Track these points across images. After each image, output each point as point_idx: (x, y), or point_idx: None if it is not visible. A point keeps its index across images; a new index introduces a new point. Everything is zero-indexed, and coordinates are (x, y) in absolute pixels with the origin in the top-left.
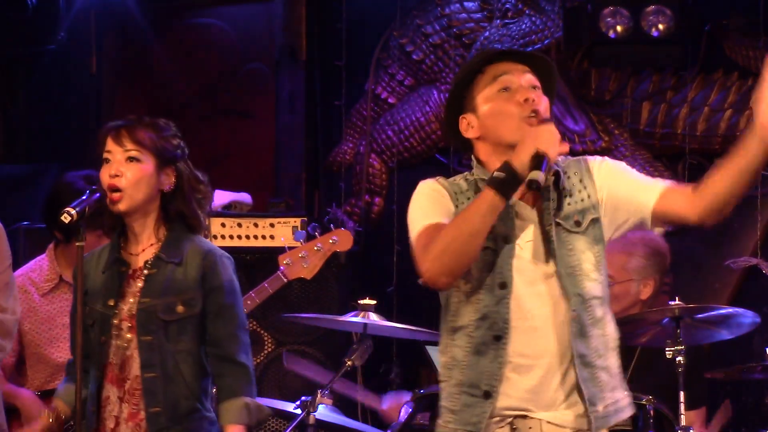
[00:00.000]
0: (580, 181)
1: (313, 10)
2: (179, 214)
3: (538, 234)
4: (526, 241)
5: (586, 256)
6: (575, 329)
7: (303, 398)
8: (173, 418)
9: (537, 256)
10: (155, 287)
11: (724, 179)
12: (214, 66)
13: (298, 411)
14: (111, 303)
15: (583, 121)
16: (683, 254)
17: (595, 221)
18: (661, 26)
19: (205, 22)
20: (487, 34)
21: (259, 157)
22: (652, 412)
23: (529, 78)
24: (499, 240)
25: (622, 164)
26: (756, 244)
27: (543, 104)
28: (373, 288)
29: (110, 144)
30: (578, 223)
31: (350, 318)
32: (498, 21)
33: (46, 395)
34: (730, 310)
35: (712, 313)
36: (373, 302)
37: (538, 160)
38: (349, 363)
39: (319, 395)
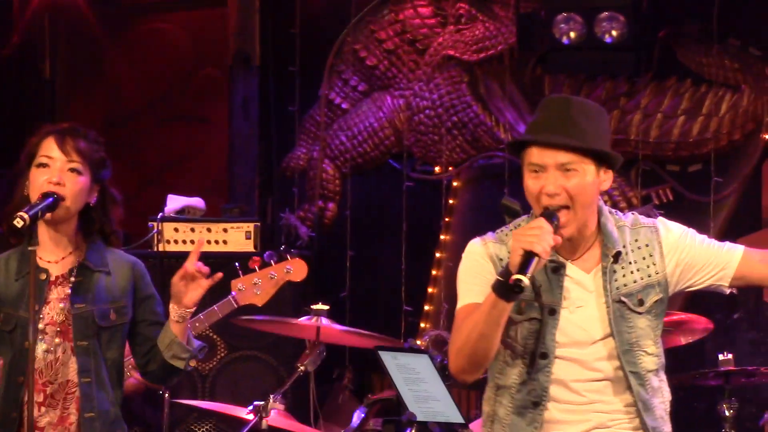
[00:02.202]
0: (650, 255)
1: (266, 15)
2: (100, 228)
3: (595, 306)
4: (578, 306)
5: (645, 332)
6: (641, 406)
7: (255, 403)
8: (105, 424)
9: (590, 327)
10: (87, 294)
11: None
12: (168, 71)
13: (251, 416)
14: (36, 308)
15: None
16: None
17: (659, 302)
18: (614, 33)
19: (159, 27)
20: (440, 39)
21: (212, 162)
22: None
23: (558, 158)
24: (545, 310)
25: (693, 232)
26: None
27: (570, 185)
28: (326, 293)
29: (52, 149)
30: (641, 302)
31: (303, 322)
32: (452, 27)
33: None
34: (683, 316)
35: (665, 319)
36: (326, 307)
37: (526, 259)
38: (301, 368)
39: (271, 400)
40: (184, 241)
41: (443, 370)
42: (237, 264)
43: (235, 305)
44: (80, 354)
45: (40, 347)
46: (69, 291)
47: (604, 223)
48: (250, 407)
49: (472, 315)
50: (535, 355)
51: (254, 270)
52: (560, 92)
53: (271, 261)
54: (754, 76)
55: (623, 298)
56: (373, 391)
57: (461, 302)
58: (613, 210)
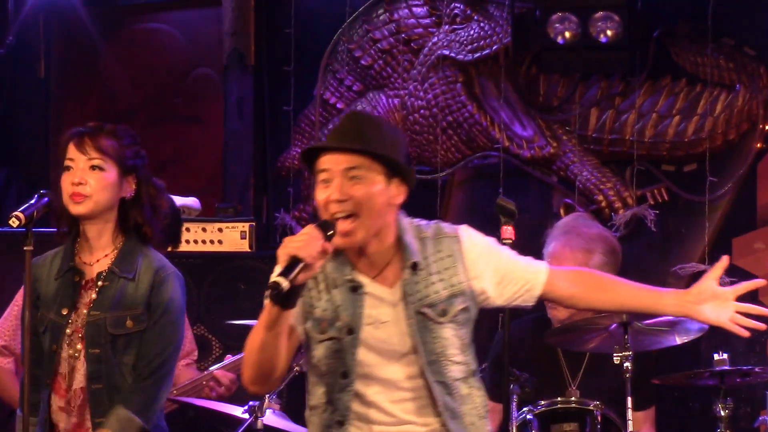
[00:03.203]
0: (453, 265)
1: (261, 15)
2: (135, 223)
3: (399, 320)
4: (382, 322)
5: (451, 342)
6: (447, 415)
7: (251, 403)
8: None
9: (396, 342)
10: (106, 301)
11: (610, 304)
12: (162, 71)
13: (246, 416)
14: (64, 312)
15: (532, 127)
16: (631, 260)
17: (464, 310)
18: (609, 32)
19: (154, 26)
20: (435, 39)
21: (207, 161)
22: (599, 418)
23: (343, 164)
24: (343, 329)
25: (498, 247)
26: (703, 251)
27: (356, 192)
28: None
29: (73, 151)
30: (444, 312)
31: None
32: (446, 26)
33: None
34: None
35: (660, 318)
36: None
37: (290, 264)
38: (297, 368)
39: (267, 400)
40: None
41: None
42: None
43: None
44: (91, 361)
45: (66, 352)
46: (94, 297)
47: (402, 236)
48: (246, 407)
49: (252, 329)
50: (337, 375)
51: None
52: (555, 92)
53: None
54: (749, 76)
55: (425, 310)
56: None
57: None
58: (416, 221)
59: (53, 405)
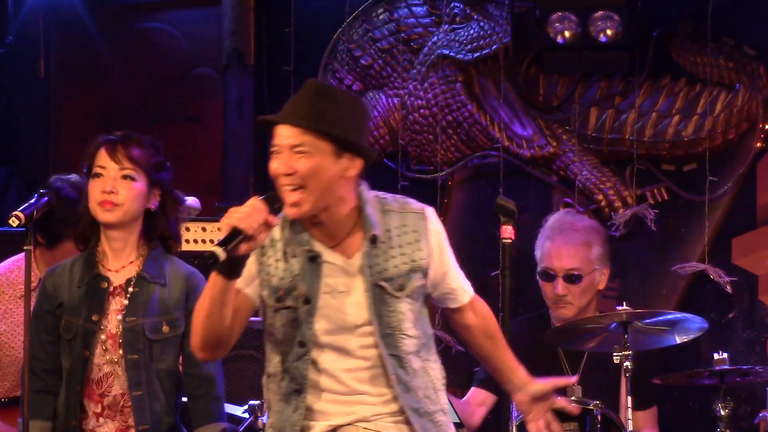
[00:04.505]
0: (417, 240)
1: (261, 14)
2: (161, 234)
3: (357, 291)
4: (340, 292)
5: (406, 316)
6: (400, 389)
7: (251, 402)
8: None
9: (352, 312)
10: (140, 306)
11: (483, 351)
12: (162, 70)
13: (246, 415)
14: (95, 318)
15: (531, 126)
16: (631, 259)
17: (421, 286)
18: (609, 32)
19: (154, 26)
20: (435, 39)
21: (207, 161)
22: (599, 417)
23: (290, 140)
24: (300, 299)
25: (448, 245)
26: (703, 250)
27: (299, 166)
28: None
29: (105, 159)
30: (402, 287)
31: None
32: (446, 26)
33: (14, 402)
34: (678, 315)
35: (660, 318)
36: None
37: (231, 235)
38: None
39: None
40: None
41: None
42: None
43: None
44: (130, 368)
45: (99, 358)
46: (126, 302)
47: (363, 208)
48: (246, 406)
49: (200, 298)
50: (294, 343)
51: None
52: (555, 91)
53: None
54: (749, 75)
55: (383, 283)
56: None
57: None
58: (382, 194)
59: (88, 411)
